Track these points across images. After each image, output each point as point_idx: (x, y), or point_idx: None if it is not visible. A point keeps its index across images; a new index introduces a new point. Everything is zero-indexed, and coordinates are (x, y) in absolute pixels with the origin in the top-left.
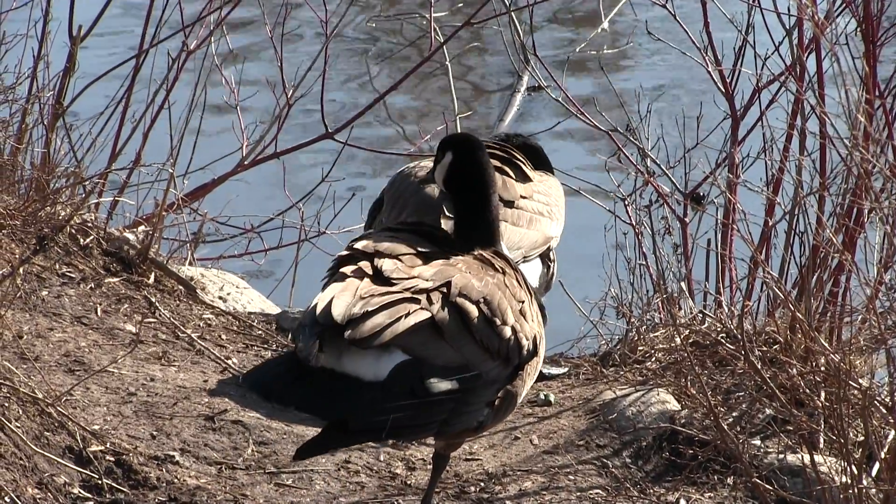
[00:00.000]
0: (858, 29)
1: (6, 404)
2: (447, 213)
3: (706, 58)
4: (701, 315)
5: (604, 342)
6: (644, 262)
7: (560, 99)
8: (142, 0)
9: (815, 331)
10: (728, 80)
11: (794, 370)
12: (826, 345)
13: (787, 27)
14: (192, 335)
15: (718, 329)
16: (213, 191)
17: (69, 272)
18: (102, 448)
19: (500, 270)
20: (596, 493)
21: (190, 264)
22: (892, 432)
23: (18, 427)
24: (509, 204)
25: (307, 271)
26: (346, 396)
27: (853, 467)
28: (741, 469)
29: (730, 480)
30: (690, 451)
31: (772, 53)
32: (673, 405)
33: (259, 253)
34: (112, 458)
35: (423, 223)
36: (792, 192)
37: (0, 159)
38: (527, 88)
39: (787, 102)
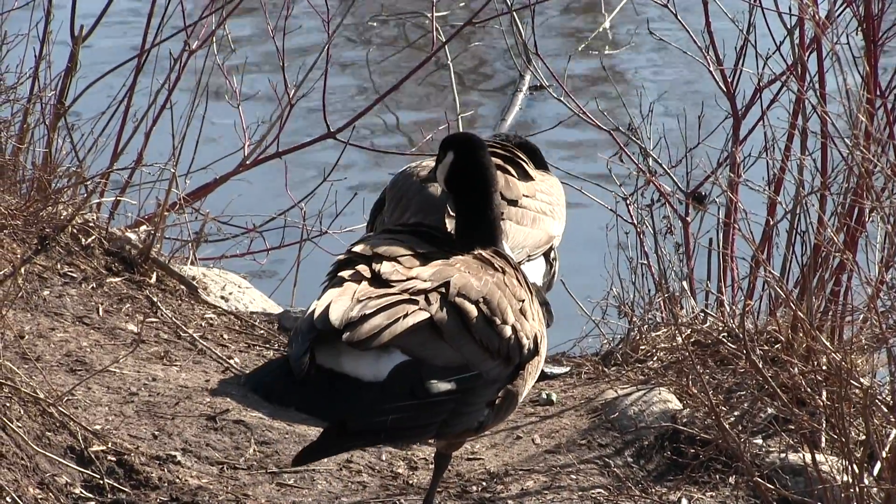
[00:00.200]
0: (859, 28)
1: (8, 404)
2: (451, 213)
3: (707, 57)
4: (703, 314)
5: (606, 341)
6: (646, 262)
7: (562, 98)
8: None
9: (817, 330)
10: (729, 80)
11: (796, 369)
12: (827, 344)
13: (789, 27)
14: (194, 335)
15: (720, 328)
16: (214, 190)
17: (71, 272)
18: (104, 448)
19: (500, 269)
20: (598, 493)
21: (192, 264)
22: (894, 431)
23: (20, 427)
24: (512, 203)
25: (309, 271)
26: (345, 397)
27: (855, 466)
28: (743, 468)
29: (731, 480)
30: (692, 451)
31: (773, 53)
32: (675, 404)
33: (261, 252)
34: (114, 458)
35: (422, 224)
36: (793, 191)
37: (2, 159)
38: (528, 87)
39: (788, 102)
